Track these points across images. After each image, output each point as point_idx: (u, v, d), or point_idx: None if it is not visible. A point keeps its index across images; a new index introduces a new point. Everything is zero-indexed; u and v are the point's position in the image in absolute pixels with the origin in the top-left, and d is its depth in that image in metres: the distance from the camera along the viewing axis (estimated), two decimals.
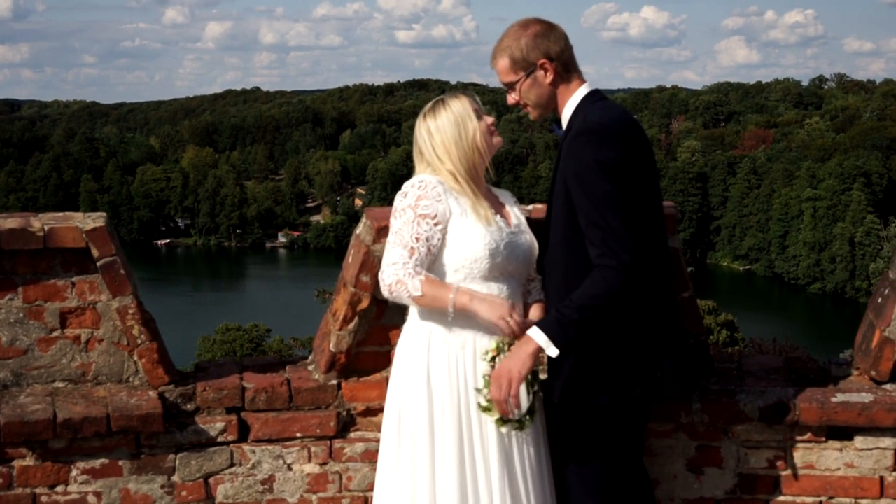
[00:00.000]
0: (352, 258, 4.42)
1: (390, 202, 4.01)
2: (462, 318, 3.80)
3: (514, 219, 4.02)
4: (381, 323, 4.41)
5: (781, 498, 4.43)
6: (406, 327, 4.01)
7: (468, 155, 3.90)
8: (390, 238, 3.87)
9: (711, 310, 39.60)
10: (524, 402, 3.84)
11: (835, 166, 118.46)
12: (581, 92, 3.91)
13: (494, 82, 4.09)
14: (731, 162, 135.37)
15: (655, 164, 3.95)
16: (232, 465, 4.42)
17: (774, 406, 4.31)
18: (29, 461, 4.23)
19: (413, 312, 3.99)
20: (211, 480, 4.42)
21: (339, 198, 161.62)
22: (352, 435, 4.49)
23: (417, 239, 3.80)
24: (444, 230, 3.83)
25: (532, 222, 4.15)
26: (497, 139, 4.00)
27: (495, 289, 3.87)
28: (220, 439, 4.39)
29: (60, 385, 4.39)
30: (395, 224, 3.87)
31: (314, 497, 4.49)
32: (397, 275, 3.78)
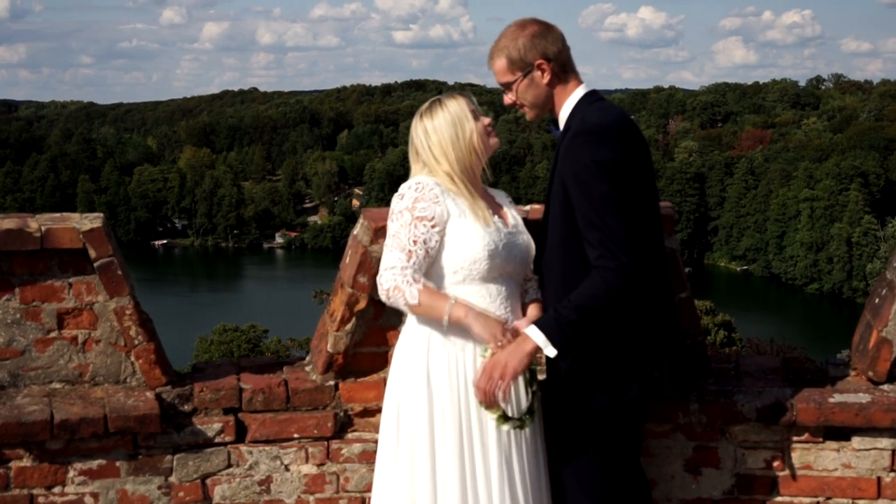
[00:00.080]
0: (349, 259, 4.42)
1: (388, 203, 4.00)
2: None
3: (512, 219, 4.02)
4: (378, 324, 4.41)
5: (779, 498, 4.43)
6: (405, 329, 4.00)
7: (465, 156, 3.90)
8: (388, 241, 3.86)
9: (709, 310, 39.59)
10: (524, 402, 3.85)
11: (832, 167, 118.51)
12: (578, 93, 3.91)
13: (492, 83, 4.08)
14: (729, 162, 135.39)
15: (652, 165, 3.95)
16: (229, 465, 4.42)
17: (772, 406, 4.31)
18: (26, 462, 4.22)
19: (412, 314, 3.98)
20: (208, 481, 4.42)
21: (336, 198, 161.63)
22: (349, 436, 4.49)
23: (415, 242, 3.80)
24: (441, 232, 3.83)
25: (529, 223, 4.15)
26: (494, 140, 4.00)
27: (494, 290, 3.87)
28: (217, 440, 4.39)
29: (58, 386, 4.39)
30: (392, 227, 3.86)
31: (311, 498, 4.49)
32: (395, 280, 3.78)
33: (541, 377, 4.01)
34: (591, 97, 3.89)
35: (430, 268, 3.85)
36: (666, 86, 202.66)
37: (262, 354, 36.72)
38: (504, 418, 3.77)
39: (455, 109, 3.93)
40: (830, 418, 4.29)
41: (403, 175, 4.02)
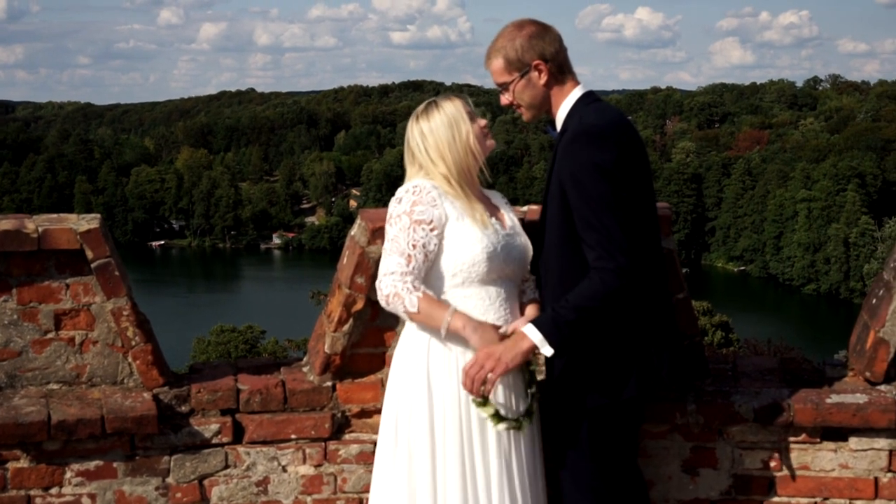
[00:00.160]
0: (346, 259, 4.42)
1: (385, 203, 4.00)
2: None
3: (509, 221, 4.01)
4: (375, 324, 4.41)
5: (776, 499, 4.43)
6: (405, 332, 3.98)
7: (462, 158, 3.88)
8: (386, 245, 3.85)
9: (706, 311, 39.63)
10: (522, 403, 3.85)
11: (829, 167, 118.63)
12: (575, 94, 3.90)
13: (489, 83, 4.08)
14: (726, 163, 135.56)
15: (649, 166, 3.95)
16: (226, 466, 4.42)
17: (769, 407, 4.31)
18: (23, 463, 4.22)
19: None
20: (205, 482, 4.41)
21: (333, 199, 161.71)
22: (346, 436, 4.48)
23: (414, 246, 3.78)
24: (440, 235, 3.81)
25: (526, 224, 4.15)
26: (490, 142, 3.98)
27: (493, 292, 3.86)
28: (214, 441, 4.39)
29: (55, 387, 4.38)
30: (390, 231, 3.84)
31: (309, 499, 4.49)
32: (395, 287, 3.77)
33: (539, 377, 4.01)
34: (588, 98, 3.89)
35: (429, 271, 3.84)
36: (663, 86, 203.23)
37: (260, 355, 36.69)
38: (498, 417, 3.76)
39: (451, 111, 3.91)
40: (828, 419, 4.29)
41: (401, 176, 4.01)
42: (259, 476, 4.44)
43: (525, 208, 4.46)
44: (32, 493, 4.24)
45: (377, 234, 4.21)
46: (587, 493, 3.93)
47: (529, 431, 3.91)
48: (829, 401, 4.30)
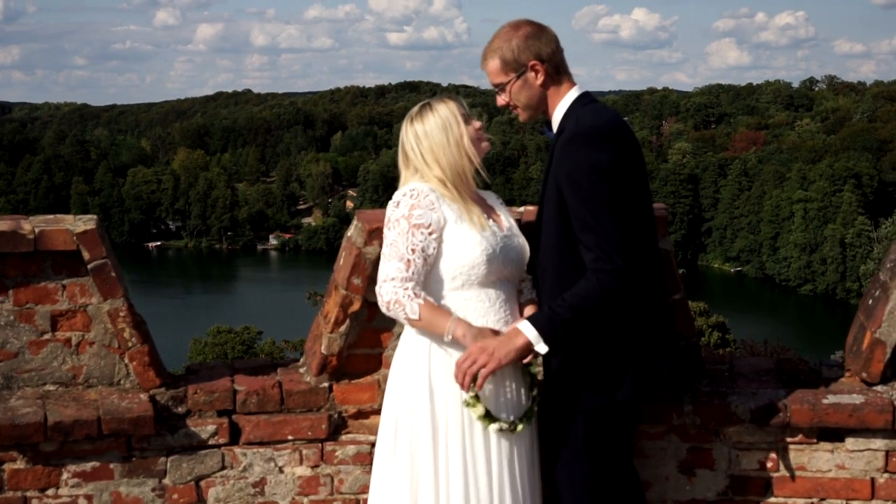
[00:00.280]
0: (343, 260, 4.42)
1: (382, 204, 3.99)
2: None
3: (506, 222, 4.01)
4: (372, 325, 4.41)
5: (773, 499, 4.43)
6: (405, 335, 3.97)
7: (456, 160, 3.86)
8: (385, 250, 3.84)
9: (703, 311, 39.65)
10: (520, 406, 3.85)
11: (825, 168, 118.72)
12: (572, 94, 3.90)
13: (486, 84, 4.07)
14: (722, 164, 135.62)
15: (645, 167, 3.95)
16: (223, 467, 4.42)
17: (766, 408, 4.31)
18: (20, 464, 4.22)
19: None
20: (202, 483, 4.41)
21: (330, 200, 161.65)
22: (343, 437, 4.48)
23: (413, 250, 3.77)
24: (439, 239, 3.80)
25: (523, 225, 4.15)
26: (485, 144, 3.97)
27: (493, 294, 3.85)
28: (211, 442, 4.38)
29: (51, 388, 4.38)
30: (389, 235, 3.83)
31: (306, 500, 4.49)
32: (396, 294, 3.76)
33: (539, 377, 4.00)
34: (585, 99, 3.89)
35: (428, 274, 3.83)
36: (659, 87, 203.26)
37: (256, 356, 36.70)
38: (489, 418, 3.76)
39: (445, 114, 3.89)
40: (824, 419, 4.29)
41: (397, 177, 4.00)
42: (256, 477, 4.44)
43: (522, 209, 4.46)
44: (29, 494, 4.24)
45: (374, 235, 4.21)
46: (583, 493, 3.93)
47: (529, 433, 3.91)
48: (825, 401, 4.31)
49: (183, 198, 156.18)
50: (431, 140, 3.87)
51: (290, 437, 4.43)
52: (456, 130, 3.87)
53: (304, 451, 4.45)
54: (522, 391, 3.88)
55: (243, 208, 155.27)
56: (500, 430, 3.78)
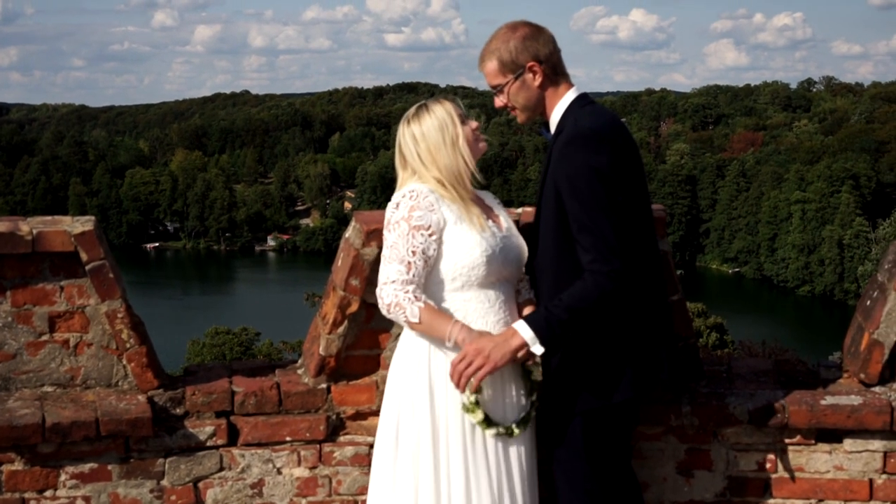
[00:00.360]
0: (341, 262, 4.42)
1: (380, 205, 4.01)
2: None
3: (504, 222, 4.00)
4: (370, 326, 4.41)
5: (771, 501, 4.43)
6: (404, 337, 3.96)
7: (454, 161, 3.86)
8: (385, 252, 3.83)
9: (701, 312, 39.63)
10: (518, 410, 3.85)
11: (823, 169, 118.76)
12: (570, 96, 3.90)
13: (483, 85, 4.07)
14: (720, 165, 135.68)
15: (643, 168, 3.95)
16: (221, 469, 4.42)
17: (764, 409, 4.31)
18: (18, 466, 4.21)
19: None
20: (200, 484, 4.41)
21: (328, 201, 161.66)
22: (341, 439, 4.48)
23: (413, 252, 3.76)
24: (439, 240, 3.79)
25: (521, 226, 4.15)
26: (482, 144, 3.96)
27: (492, 295, 3.85)
28: (209, 443, 4.38)
29: (49, 389, 4.38)
30: (389, 237, 3.82)
31: (304, 501, 4.49)
32: (396, 297, 3.75)
33: (538, 383, 4.00)
34: (583, 100, 3.89)
35: (428, 276, 3.82)
36: (657, 88, 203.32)
37: (254, 357, 36.70)
38: (488, 423, 3.76)
39: (442, 114, 3.89)
40: (822, 420, 4.29)
41: (395, 178, 3.99)
42: (254, 478, 4.44)
43: (520, 210, 4.46)
44: (27, 495, 4.24)
45: (372, 236, 4.21)
46: (581, 494, 3.93)
47: (528, 433, 3.91)
48: (823, 402, 4.31)
49: (181, 199, 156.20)
50: (428, 141, 3.87)
51: (288, 439, 4.43)
52: (452, 131, 3.87)
53: (303, 453, 4.45)
54: (521, 397, 3.88)
55: (241, 209, 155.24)
56: (497, 434, 3.78)
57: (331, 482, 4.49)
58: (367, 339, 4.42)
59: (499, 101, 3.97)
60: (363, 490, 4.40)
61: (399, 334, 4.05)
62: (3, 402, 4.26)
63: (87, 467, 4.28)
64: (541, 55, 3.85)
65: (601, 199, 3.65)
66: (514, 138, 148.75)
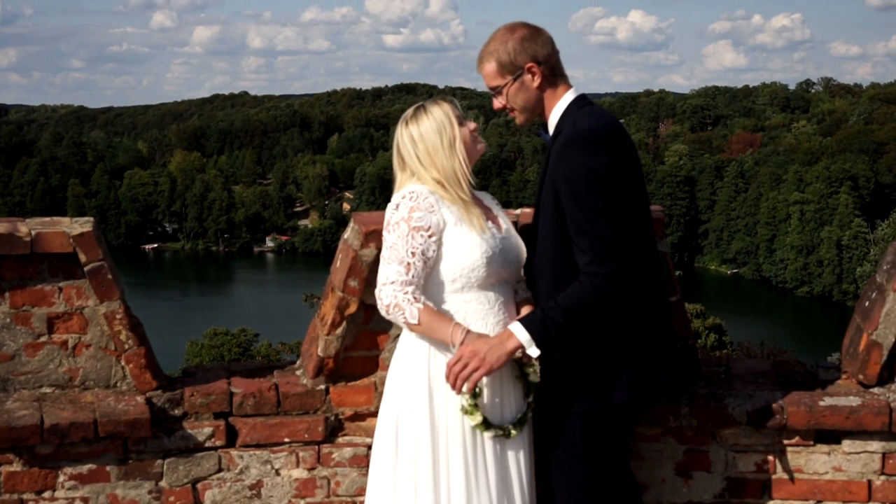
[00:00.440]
0: (340, 263, 4.42)
1: (378, 206, 4.01)
2: None
3: (503, 223, 4.00)
4: (368, 327, 4.41)
5: (770, 502, 4.43)
6: (403, 337, 3.96)
7: (452, 162, 3.86)
8: (385, 253, 3.82)
9: (699, 313, 39.65)
10: (515, 411, 3.85)
11: (822, 170, 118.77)
12: (568, 97, 3.90)
13: (482, 87, 4.07)
14: (719, 166, 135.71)
15: (642, 169, 3.95)
16: (220, 470, 4.42)
17: (762, 410, 4.31)
18: (16, 467, 4.21)
19: None
20: (199, 486, 4.41)
21: (326, 202, 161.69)
22: (340, 440, 4.48)
23: (413, 253, 3.76)
24: (438, 241, 3.79)
25: (520, 227, 4.15)
26: (480, 145, 3.96)
27: (492, 296, 3.85)
28: (207, 444, 4.38)
29: (48, 390, 4.38)
30: (389, 238, 3.82)
31: (302, 502, 4.49)
32: (396, 298, 3.75)
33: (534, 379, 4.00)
34: (581, 101, 3.89)
35: (428, 277, 3.82)
36: (656, 89, 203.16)
37: (253, 358, 36.69)
38: (486, 425, 3.76)
39: (440, 116, 3.88)
40: (821, 421, 4.29)
41: (394, 179, 3.99)
42: (252, 479, 4.44)
43: (518, 211, 4.46)
44: (25, 496, 4.24)
45: (370, 237, 4.21)
46: (580, 495, 3.93)
47: (527, 434, 3.91)
48: (822, 403, 4.31)
49: (179, 200, 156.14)
50: (427, 142, 3.87)
51: (286, 440, 4.43)
52: (450, 132, 3.87)
53: (301, 454, 4.45)
54: (519, 398, 3.88)
55: (240, 210, 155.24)
56: (495, 436, 3.78)
57: (329, 483, 4.48)
58: (366, 340, 4.42)
59: (497, 103, 3.97)
60: (361, 491, 4.40)
61: (398, 335, 4.05)
62: (2, 403, 4.25)
63: (85, 468, 4.28)
64: (539, 56, 3.85)
65: (599, 201, 3.65)
66: (513, 139, 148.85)
